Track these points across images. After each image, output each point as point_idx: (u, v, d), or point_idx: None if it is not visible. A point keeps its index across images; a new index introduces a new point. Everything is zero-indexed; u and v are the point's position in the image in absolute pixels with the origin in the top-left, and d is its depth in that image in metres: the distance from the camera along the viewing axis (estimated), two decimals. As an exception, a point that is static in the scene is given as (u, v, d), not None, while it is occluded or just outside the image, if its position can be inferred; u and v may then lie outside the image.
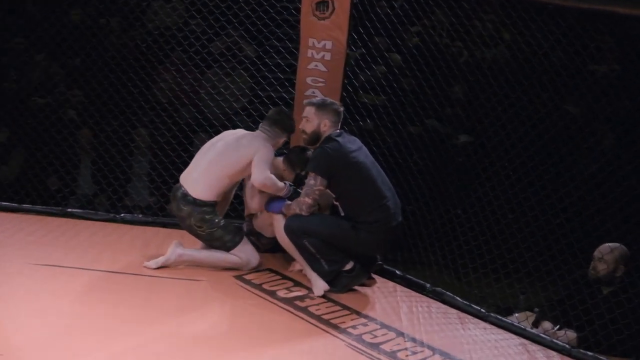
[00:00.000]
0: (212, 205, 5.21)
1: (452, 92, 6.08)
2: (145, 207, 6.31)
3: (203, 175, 5.21)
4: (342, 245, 5.11)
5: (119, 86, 6.28)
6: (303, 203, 5.08)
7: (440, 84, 5.70)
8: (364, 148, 5.24)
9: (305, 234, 5.07)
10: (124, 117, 6.34)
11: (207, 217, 5.18)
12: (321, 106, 5.17)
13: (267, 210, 5.34)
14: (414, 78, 5.82)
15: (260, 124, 5.41)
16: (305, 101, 5.30)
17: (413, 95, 5.87)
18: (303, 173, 5.38)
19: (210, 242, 5.25)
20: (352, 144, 5.15)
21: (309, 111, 5.17)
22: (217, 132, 6.01)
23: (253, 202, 5.44)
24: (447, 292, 5.28)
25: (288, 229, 5.12)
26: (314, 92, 5.79)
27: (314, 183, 5.05)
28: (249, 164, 5.21)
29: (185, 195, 5.20)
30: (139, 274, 5.14)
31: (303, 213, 5.08)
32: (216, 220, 5.21)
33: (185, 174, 5.32)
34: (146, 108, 6.33)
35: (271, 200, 5.29)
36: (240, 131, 5.47)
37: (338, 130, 5.17)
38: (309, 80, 5.83)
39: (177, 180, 5.37)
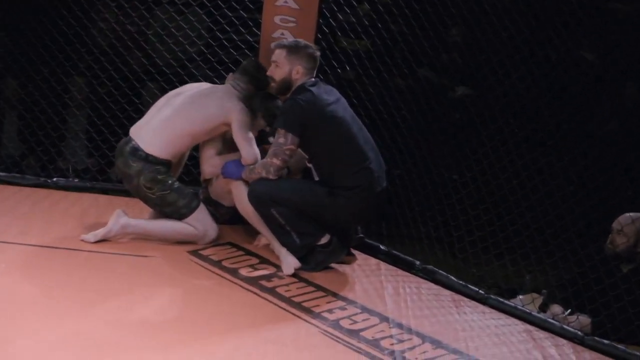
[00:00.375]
0: (166, 164, 5.22)
1: (449, 36, 6.08)
2: (82, 170, 6.31)
3: (160, 130, 5.22)
4: (317, 215, 5.12)
5: (49, 26, 6.22)
6: (270, 165, 5.07)
7: (435, 26, 5.69)
8: (343, 100, 5.25)
9: (273, 202, 5.06)
10: (56, 63, 6.29)
11: (159, 177, 5.18)
12: (293, 49, 5.15)
13: (223, 176, 5.32)
14: (402, 18, 5.81)
15: (233, 78, 5.40)
16: (274, 43, 5.27)
17: (402, 38, 5.86)
18: (268, 129, 5.37)
19: (161, 208, 5.25)
20: (329, 95, 5.15)
21: (279, 55, 5.15)
22: (168, 81, 6.03)
23: (207, 166, 5.43)
24: (440, 271, 5.33)
25: (253, 196, 5.12)
26: (283, 34, 5.77)
27: (283, 141, 5.04)
28: (220, 126, 5.26)
29: (136, 149, 5.19)
30: (76, 248, 5.13)
31: (270, 177, 5.08)
32: (169, 182, 5.21)
33: (137, 127, 5.32)
34: (82, 52, 6.29)
35: (229, 164, 5.27)
36: (205, 84, 5.50)
37: (313, 79, 5.16)
38: (277, 19, 5.81)
39: (120, 139, 5.35)
